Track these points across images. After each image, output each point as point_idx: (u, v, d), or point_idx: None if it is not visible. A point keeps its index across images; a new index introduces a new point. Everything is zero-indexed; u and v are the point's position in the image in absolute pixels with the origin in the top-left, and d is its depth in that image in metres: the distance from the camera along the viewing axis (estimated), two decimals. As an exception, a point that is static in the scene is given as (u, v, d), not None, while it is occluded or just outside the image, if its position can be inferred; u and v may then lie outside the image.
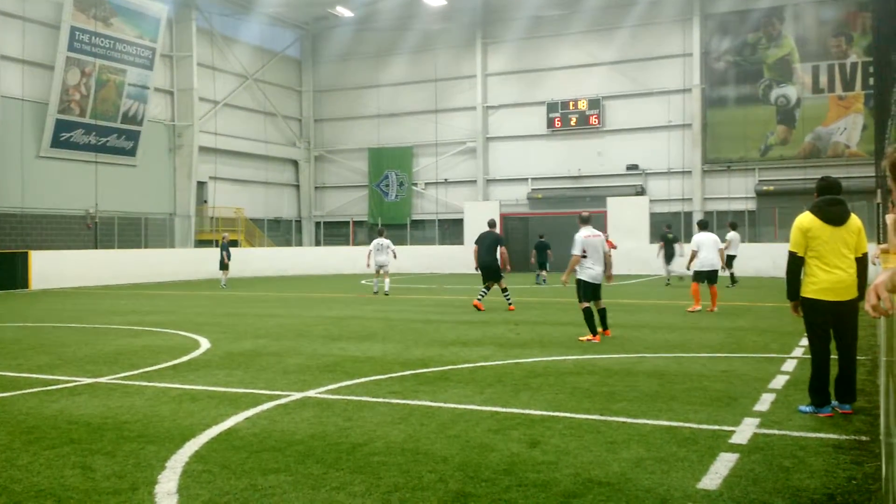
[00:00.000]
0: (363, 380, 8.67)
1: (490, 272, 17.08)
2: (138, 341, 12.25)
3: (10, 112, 29.00)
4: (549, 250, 27.58)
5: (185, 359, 10.35)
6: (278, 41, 42.59)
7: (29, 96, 29.75)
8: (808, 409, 6.81)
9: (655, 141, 35.76)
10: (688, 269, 17.30)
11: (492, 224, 18.26)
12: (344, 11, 40.22)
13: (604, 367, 9.36)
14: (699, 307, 16.29)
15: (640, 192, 35.41)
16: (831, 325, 6.79)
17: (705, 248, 16.15)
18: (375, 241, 22.22)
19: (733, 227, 25.19)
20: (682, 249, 24.17)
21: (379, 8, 39.58)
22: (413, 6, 38.55)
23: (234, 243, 27.98)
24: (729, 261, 23.60)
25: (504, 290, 17.31)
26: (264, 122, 41.57)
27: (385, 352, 10.82)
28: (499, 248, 17.32)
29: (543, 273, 27.47)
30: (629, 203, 33.37)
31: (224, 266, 26.85)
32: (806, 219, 6.79)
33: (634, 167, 36.00)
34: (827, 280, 6.67)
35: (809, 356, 7.02)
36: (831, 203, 6.81)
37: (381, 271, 22.02)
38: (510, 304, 17.15)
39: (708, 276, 16.29)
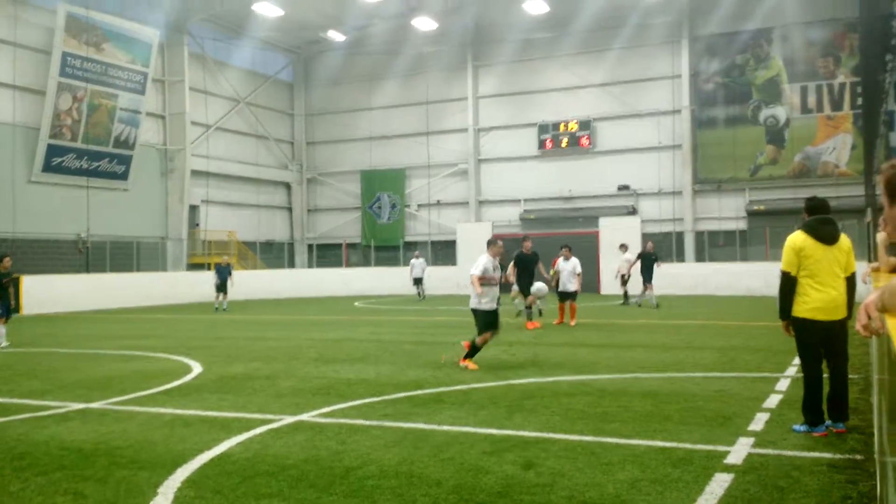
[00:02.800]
0: (356, 402, 8.63)
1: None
2: (130, 366, 12.19)
3: (1, 137, 28.97)
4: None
5: (176, 383, 10.30)
6: (270, 65, 42.75)
7: (20, 121, 29.75)
8: (802, 428, 6.81)
9: (646, 162, 35.93)
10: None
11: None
12: (336, 35, 40.43)
13: (598, 387, 9.35)
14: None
15: (632, 212, 35.54)
16: (823, 344, 6.80)
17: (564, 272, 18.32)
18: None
19: (623, 248, 25.44)
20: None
21: (370, 32, 39.82)
22: (404, 30, 38.79)
23: (230, 267, 27.97)
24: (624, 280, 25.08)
25: (529, 306, 18.26)
26: (256, 145, 41.64)
27: (378, 374, 10.79)
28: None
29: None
30: (621, 223, 33.47)
31: (224, 289, 26.71)
32: (799, 238, 6.80)
33: (626, 188, 36.14)
34: (820, 299, 6.68)
35: (802, 375, 7.03)
36: (824, 222, 6.83)
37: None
38: (530, 319, 18.02)
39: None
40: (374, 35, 39.94)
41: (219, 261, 29.03)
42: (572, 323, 17.92)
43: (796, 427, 6.86)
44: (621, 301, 25.77)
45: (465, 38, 39.21)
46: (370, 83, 41.82)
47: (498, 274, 11.58)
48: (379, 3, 35.18)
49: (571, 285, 18.21)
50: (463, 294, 32.50)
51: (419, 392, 9.26)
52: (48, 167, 30.46)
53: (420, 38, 39.33)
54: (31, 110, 30.00)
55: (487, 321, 11.34)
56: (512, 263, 18.05)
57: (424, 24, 37.84)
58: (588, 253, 29.68)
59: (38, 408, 8.64)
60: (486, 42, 39.15)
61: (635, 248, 29.62)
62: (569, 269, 18.38)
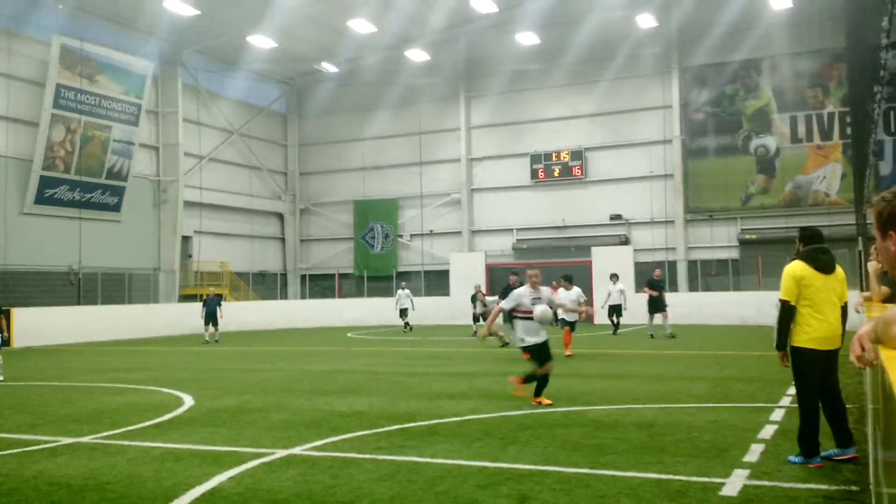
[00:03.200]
0: (349, 435, 8.56)
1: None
2: (121, 399, 12.08)
3: (-6, 169, 28.97)
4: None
5: (168, 416, 10.21)
6: (263, 96, 42.98)
7: (13, 153, 29.76)
8: (797, 459, 6.77)
9: (638, 191, 36.11)
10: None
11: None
12: (329, 67, 40.72)
13: (592, 418, 9.30)
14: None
15: (625, 241, 35.62)
16: (821, 373, 6.78)
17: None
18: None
19: (615, 278, 25.57)
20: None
21: (363, 63, 40.13)
22: (397, 61, 39.11)
23: (220, 298, 27.64)
24: (612, 311, 25.22)
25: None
26: (249, 175, 41.71)
27: (371, 406, 10.72)
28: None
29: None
30: (614, 252, 33.54)
31: (214, 321, 25.97)
32: (798, 267, 6.78)
33: (618, 217, 36.27)
34: (820, 329, 6.67)
35: (797, 406, 7.00)
36: (822, 251, 6.85)
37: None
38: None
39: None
40: (367, 66, 40.26)
41: (207, 292, 28.71)
42: (567, 353, 17.76)
43: (791, 458, 6.83)
44: (612, 331, 25.74)
45: (458, 70, 39.52)
46: (363, 114, 42.04)
47: (539, 306, 10.40)
48: (371, 35, 35.48)
49: (570, 316, 18.08)
50: (456, 324, 32.49)
51: (412, 424, 9.19)
52: (41, 199, 30.42)
53: (412, 69, 39.64)
54: (24, 142, 30.03)
55: (540, 355, 10.50)
56: (499, 297, 17.93)
57: (417, 55, 38.19)
58: (581, 283, 29.38)
59: (27, 442, 8.55)
60: (478, 73, 39.47)
61: (627, 278, 29.69)
62: (572, 298, 18.35)
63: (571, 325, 18.31)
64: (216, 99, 39.54)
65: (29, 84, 30.18)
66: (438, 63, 39.08)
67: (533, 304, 10.36)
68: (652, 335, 22.71)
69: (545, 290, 10.83)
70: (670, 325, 23.07)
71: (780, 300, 6.79)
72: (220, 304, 26.45)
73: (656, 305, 23.01)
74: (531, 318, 10.34)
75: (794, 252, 7.08)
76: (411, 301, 30.31)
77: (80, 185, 31.62)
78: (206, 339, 26.24)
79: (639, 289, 33.93)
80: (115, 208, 33.40)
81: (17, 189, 29.91)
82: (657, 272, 24.80)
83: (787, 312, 6.77)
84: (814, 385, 6.77)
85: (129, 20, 33.03)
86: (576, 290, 18.70)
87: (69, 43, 30.46)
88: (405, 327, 30.13)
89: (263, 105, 42.75)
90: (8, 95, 29.62)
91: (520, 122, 38.55)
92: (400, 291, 30.70)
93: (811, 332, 6.67)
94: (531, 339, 10.47)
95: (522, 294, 10.48)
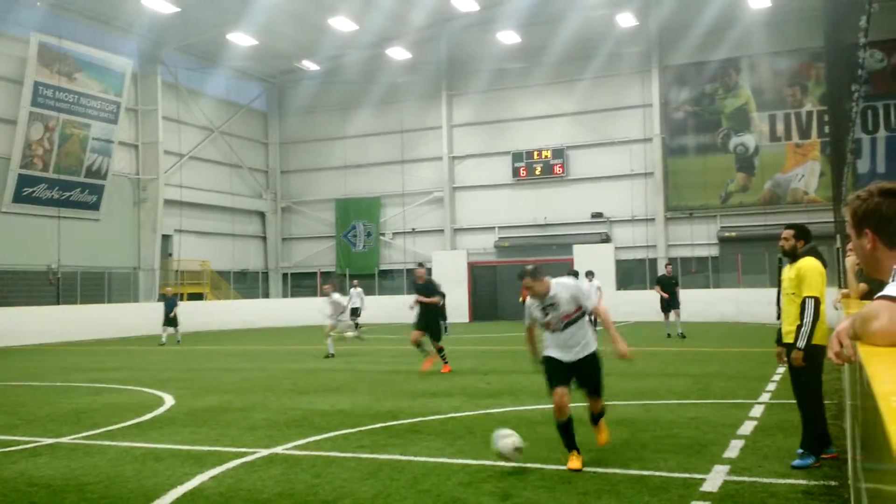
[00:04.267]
0: (332, 434, 8.55)
1: None
2: (100, 399, 12.00)
3: (-29, 167, 28.62)
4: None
5: (148, 416, 10.15)
6: (244, 94, 42.76)
7: (-9, 151, 29.42)
8: (804, 462, 6.56)
9: (619, 189, 36.26)
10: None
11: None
12: (310, 65, 40.57)
13: (573, 416, 9.34)
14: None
15: (606, 239, 35.78)
16: None
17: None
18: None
19: (590, 276, 22.46)
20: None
21: (344, 62, 40.02)
22: (378, 60, 39.04)
23: (176, 298, 26.29)
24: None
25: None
26: (230, 174, 41.48)
27: (354, 404, 10.71)
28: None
29: None
30: (595, 250, 33.68)
31: (174, 322, 25.07)
32: (818, 263, 6.70)
33: (599, 215, 36.41)
34: (824, 325, 6.66)
35: (804, 406, 6.82)
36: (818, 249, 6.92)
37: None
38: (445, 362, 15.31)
39: None
40: (348, 64, 40.15)
41: (164, 291, 27.97)
42: None
43: (797, 463, 6.58)
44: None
45: (439, 68, 39.51)
46: (344, 112, 41.93)
47: (551, 317, 7.14)
48: (353, 33, 35.40)
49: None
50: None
51: (395, 423, 9.19)
52: (19, 197, 30.10)
53: (394, 67, 39.59)
54: (2, 140, 29.69)
55: (550, 378, 7.26)
56: (416, 293, 15.40)
57: (398, 53, 38.14)
58: (563, 280, 29.79)
59: (6, 443, 8.47)
60: (459, 71, 39.47)
61: (608, 275, 29.77)
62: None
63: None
64: (196, 97, 39.29)
65: (6, 82, 29.83)
66: (420, 61, 39.04)
67: (547, 315, 7.18)
68: (669, 334, 21.91)
69: (561, 289, 7.19)
70: (682, 324, 22.19)
71: (814, 298, 6.59)
72: (176, 304, 25.46)
73: (669, 303, 22.04)
74: (556, 331, 7.20)
75: (783, 250, 6.97)
76: (362, 300, 28.26)
77: (59, 183, 31.32)
78: (163, 340, 24.92)
79: (623, 287, 34.25)
80: (95, 207, 33.11)
81: (-5, 187, 29.57)
82: (668, 268, 23.78)
83: (818, 310, 6.61)
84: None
85: (107, 17, 32.73)
86: (593, 284, 17.12)
87: (47, 40, 30.16)
88: (356, 328, 26.15)
89: (244, 103, 42.52)
90: (-15, 93, 29.27)
91: (501, 121, 38.60)
92: (352, 290, 28.21)
93: (823, 329, 6.60)
94: (548, 353, 7.35)
95: (530, 306, 7.37)
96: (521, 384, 12.48)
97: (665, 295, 22.06)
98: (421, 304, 15.14)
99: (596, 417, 7.57)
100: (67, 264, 31.29)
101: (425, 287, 15.45)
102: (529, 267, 7.22)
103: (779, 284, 7.39)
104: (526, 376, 13.66)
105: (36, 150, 30.49)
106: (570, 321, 7.16)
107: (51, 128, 30.80)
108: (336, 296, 19.67)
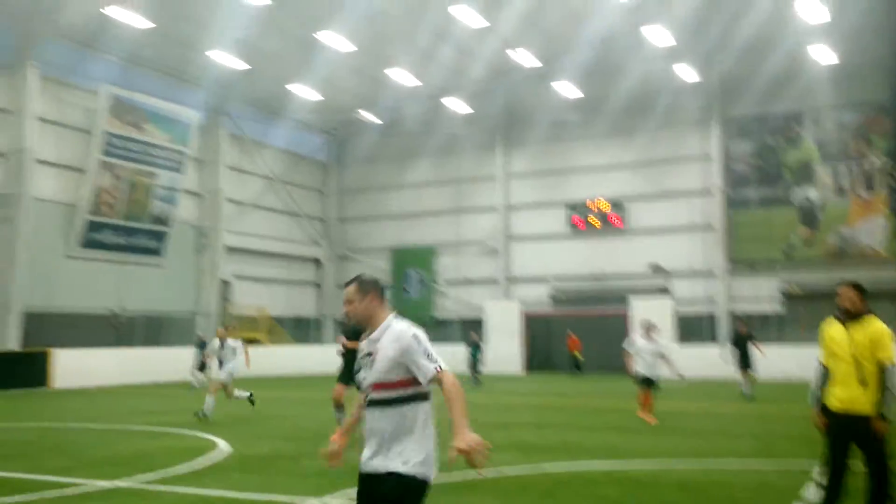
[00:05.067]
0: (383, 486, 8.43)
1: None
2: (156, 442, 12.10)
3: (43, 214, 29.56)
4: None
5: (202, 461, 10.18)
6: (305, 145, 43.68)
7: (61, 198, 30.41)
8: None
9: (677, 241, 35.73)
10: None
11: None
12: (370, 117, 41.32)
13: (631, 476, 9.07)
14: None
15: (664, 290, 35.16)
16: None
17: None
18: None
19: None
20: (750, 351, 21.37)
21: (403, 113, 40.66)
22: (437, 111, 39.54)
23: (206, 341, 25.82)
24: None
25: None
26: (288, 221, 42.18)
27: (406, 456, 10.56)
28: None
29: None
30: (653, 303, 33.05)
31: (203, 367, 24.54)
32: (885, 326, 6.27)
33: (657, 267, 35.87)
34: None
35: (876, 475, 6.35)
36: None
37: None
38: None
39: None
40: (408, 116, 40.76)
41: (203, 336, 27.82)
42: (650, 419, 14.81)
43: None
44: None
45: (497, 120, 39.83)
46: (402, 162, 42.45)
47: (362, 377, 4.60)
48: (413, 87, 35.98)
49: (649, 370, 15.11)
50: (492, 373, 32.12)
51: (447, 479, 9.04)
52: (86, 242, 31.02)
53: (452, 118, 40.05)
54: (72, 187, 30.70)
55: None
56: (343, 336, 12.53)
57: (456, 105, 38.60)
58: (618, 333, 29.32)
59: (62, 485, 8.56)
60: (517, 122, 39.71)
61: (664, 330, 29.11)
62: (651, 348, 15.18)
63: (654, 382, 15.20)
64: (259, 147, 40.26)
65: (77, 131, 30.93)
66: (479, 113, 39.44)
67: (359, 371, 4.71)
68: (743, 392, 20.87)
69: (391, 337, 4.44)
70: (752, 386, 20.87)
71: (893, 364, 6.11)
72: (205, 347, 24.34)
73: (744, 361, 21.15)
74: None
75: (846, 310, 6.52)
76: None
77: (125, 229, 32.22)
78: (195, 384, 24.80)
79: (681, 340, 33.36)
80: (158, 252, 33.92)
81: (63, 232, 30.52)
82: (742, 327, 22.60)
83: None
84: None
85: (177, 71, 33.88)
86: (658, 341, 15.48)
87: (119, 93, 31.31)
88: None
89: (305, 153, 43.42)
90: (57, 143, 30.40)
91: (558, 171, 38.58)
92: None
93: None
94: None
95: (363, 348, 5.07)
96: (575, 439, 12.22)
97: (738, 351, 21.25)
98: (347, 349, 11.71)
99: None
100: (129, 308, 31.99)
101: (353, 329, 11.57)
102: (363, 275, 4.56)
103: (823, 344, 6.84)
104: (579, 431, 13.37)
105: (104, 198, 31.45)
106: (382, 400, 4.42)
107: (119, 176, 31.79)
108: None
